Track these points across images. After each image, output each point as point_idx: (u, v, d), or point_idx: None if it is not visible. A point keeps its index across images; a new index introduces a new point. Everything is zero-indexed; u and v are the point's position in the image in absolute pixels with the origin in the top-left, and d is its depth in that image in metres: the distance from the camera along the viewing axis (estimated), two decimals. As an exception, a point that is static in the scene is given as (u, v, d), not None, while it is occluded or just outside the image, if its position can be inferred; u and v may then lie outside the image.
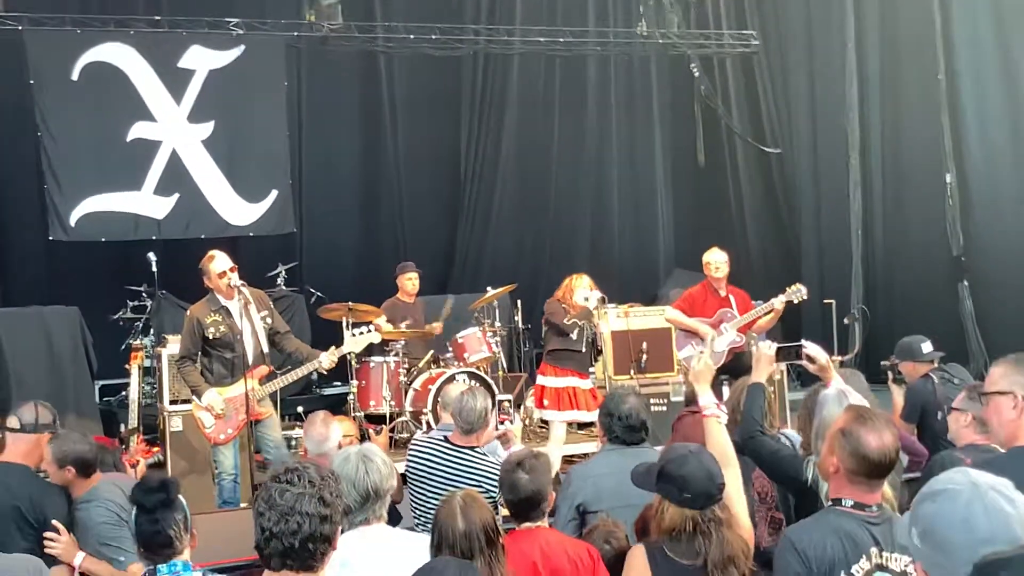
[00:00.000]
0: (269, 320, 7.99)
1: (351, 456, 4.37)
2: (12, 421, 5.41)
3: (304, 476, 3.10)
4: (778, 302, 9.73)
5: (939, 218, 12.95)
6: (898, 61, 13.50)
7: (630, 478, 4.11)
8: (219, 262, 7.89)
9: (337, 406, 11.05)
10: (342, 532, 3.54)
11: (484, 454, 6.14)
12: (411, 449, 6.33)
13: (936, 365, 7.74)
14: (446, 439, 6.17)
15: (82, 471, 5.31)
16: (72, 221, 11.65)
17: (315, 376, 11.78)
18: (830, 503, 3.75)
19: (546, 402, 9.16)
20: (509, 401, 11.06)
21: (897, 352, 7.96)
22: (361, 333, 8.12)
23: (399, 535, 4.56)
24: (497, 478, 5.85)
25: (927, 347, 7.77)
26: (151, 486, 4.17)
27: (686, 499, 3.77)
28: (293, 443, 10.56)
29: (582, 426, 10.12)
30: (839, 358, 11.52)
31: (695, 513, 3.78)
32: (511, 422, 9.07)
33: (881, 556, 3.58)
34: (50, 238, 11.67)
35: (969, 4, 12.76)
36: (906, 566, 3.54)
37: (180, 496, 4.20)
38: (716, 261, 9.86)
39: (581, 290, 9.19)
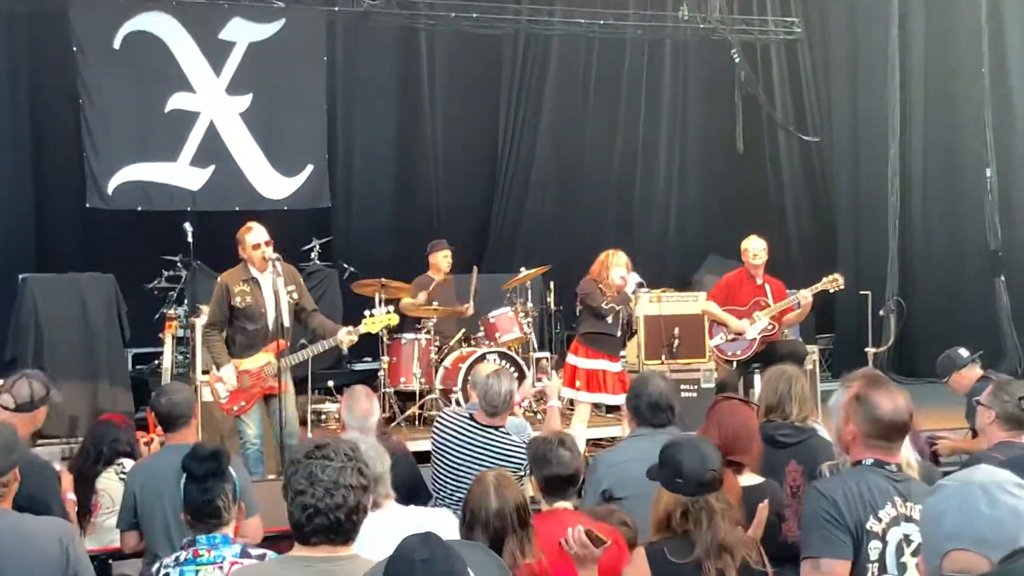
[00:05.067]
0: (295, 296, 8.00)
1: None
2: (6, 399, 5.25)
3: (339, 450, 3.13)
4: (804, 296, 9.67)
5: (978, 212, 12.84)
6: (942, 52, 13.36)
7: (646, 473, 4.08)
8: (255, 234, 7.92)
9: (367, 382, 10.98)
10: None
11: (508, 433, 6.14)
12: (436, 424, 6.35)
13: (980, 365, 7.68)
14: (471, 416, 6.18)
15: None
16: (110, 189, 11.73)
17: (345, 351, 11.85)
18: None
19: (578, 383, 9.09)
20: (547, 359, 11.05)
21: (940, 371, 7.85)
22: (375, 314, 8.11)
23: (413, 511, 4.58)
24: (520, 458, 5.88)
25: (964, 352, 7.71)
26: (203, 455, 4.16)
27: (678, 484, 3.73)
28: (323, 417, 10.63)
29: (609, 409, 10.09)
30: (873, 350, 11.48)
31: (686, 499, 3.72)
32: (548, 379, 8.97)
33: (906, 507, 3.63)
34: (87, 205, 11.75)
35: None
36: None
37: (230, 467, 4.19)
38: (754, 248, 9.82)
39: (617, 268, 8.99)
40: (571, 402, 9.45)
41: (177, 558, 4.00)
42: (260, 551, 4.10)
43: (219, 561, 3.94)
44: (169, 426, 5.59)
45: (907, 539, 3.61)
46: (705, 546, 3.66)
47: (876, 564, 3.60)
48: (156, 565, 4.11)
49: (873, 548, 3.59)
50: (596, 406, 9.57)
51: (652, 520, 3.82)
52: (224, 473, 4.09)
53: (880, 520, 3.60)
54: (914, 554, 3.58)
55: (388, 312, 8.18)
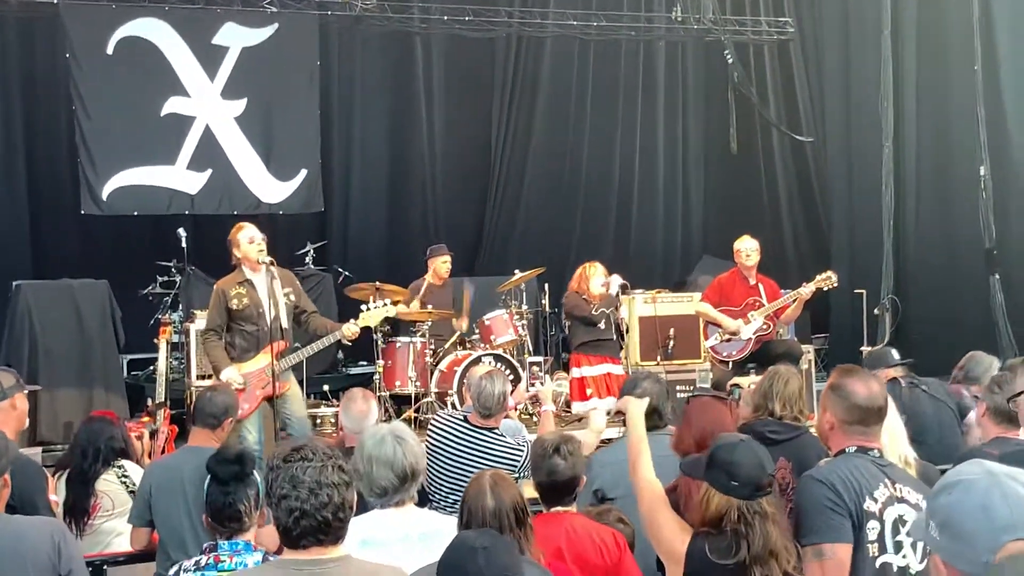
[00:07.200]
0: (292, 297, 7.99)
1: (385, 437, 4.35)
2: None
3: (317, 450, 3.14)
4: (805, 290, 9.68)
5: (972, 210, 12.81)
6: (935, 50, 13.34)
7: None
8: (247, 231, 7.93)
9: (362, 385, 11.05)
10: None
11: (502, 435, 6.15)
12: (431, 427, 6.35)
13: (903, 373, 7.68)
14: (465, 419, 6.18)
15: None
16: (105, 195, 11.70)
17: (340, 355, 11.85)
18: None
19: (590, 391, 9.09)
20: (539, 364, 11.04)
21: (867, 363, 7.86)
22: (373, 307, 8.11)
23: (428, 515, 4.55)
24: (514, 459, 5.89)
25: (896, 355, 7.73)
26: (227, 457, 4.13)
27: (733, 487, 3.60)
28: (318, 421, 10.62)
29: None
30: (868, 349, 11.47)
31: (740, 503, 3.58)
32: (541, 383, 8.99)
33: (895, 488, 3.72)
34: (82, 212, 11.73)
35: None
36: (919, 500, 3.66)
37: (255, 472, 4.16)
38: (747, 249, 9.83)
39: (597, 278, 9.10)
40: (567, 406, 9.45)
41: (198, 563, 3.97)
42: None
43: (241, 568, 3.91)
44: (198, 421, 5.57)
45: (901, 519, 3.69)
46: (755, 550, 3.55)
47: (875, 544, 3.67)
48: (175, 569, 4.09)
49: (872, 528, 3.67)
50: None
51: (698, 519, 3.70)
52: (248, 477, 4.06)
53: (876, 500, 3.68)
54: (909, 534, 3.66)
55: (385, 304, 8.17)
